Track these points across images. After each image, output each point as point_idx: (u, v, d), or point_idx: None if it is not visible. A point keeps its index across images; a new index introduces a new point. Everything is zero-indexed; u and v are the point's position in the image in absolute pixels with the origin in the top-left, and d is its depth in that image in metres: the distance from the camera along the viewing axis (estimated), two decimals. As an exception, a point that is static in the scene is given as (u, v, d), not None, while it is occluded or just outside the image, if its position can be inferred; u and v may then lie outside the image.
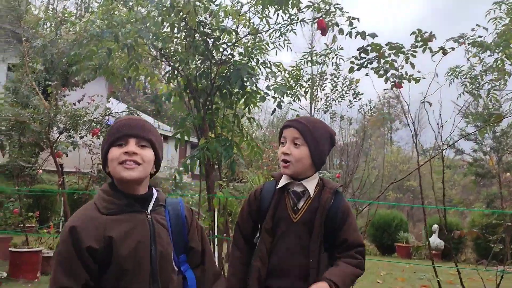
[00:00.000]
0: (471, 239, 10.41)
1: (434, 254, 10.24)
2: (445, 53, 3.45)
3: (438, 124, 3.11)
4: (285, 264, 1.82)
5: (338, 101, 13.25)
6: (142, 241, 1.52)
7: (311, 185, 1.88)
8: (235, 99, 4.28)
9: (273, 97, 4.08)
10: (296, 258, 1.82)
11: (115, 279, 1.49)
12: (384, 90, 4.01)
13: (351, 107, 12.94)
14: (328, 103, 12.91)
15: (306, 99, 4.43)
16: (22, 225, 6.96)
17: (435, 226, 10.35)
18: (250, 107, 4.36)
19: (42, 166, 7.40)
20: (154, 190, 1.68)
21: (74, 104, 7.51)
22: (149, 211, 1.59)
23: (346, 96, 13.36)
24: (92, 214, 1.54)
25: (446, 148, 3.17)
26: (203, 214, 4.44)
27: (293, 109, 4.33)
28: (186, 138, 4.25)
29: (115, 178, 1.59)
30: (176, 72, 4.28)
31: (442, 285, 3.99)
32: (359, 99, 12.88)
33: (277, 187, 1.90)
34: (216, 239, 4.00)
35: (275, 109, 4.16)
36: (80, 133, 6.17)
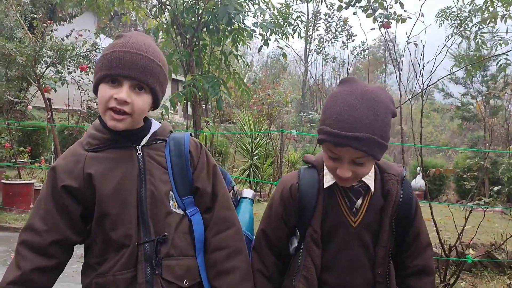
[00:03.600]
0: (453, 181, 10.76)
1: (417, 195, 10.64)
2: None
3: (419, 64, 3.15)
4: (348, 282, 1.38)
5: (331, 42, 13.12)
6: (127, 179, 1.34)
7: (369, 177, 1.39)
8: (223, 35, 4.26)
9: (260, 34, 4.07)
10: (363, 273, 1.39)
11: (98, 223, 1.33)
12: (371, 29, 4.00)
13: (344, 49, 12.82)
14: (321, 44, 12.79)
15: (293, 37, 4.41)
16: (14, 160, 7.10)
17: (419, 168, 10.64)
18: (238, 44, 4.35)
19: (30, 101, 7.39)
20: (154, 123, 1.47)
21: (62, 40, 7.41)
22: (140, 146, 1.39)
23: (340, 37, 13.18)
24: (75, 151, 1.38)
25: (425, 88, 3.24)
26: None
27: (279, 47, 4.33)
28: (173, 75, 4.28)
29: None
30: (163, 7, 4.22)
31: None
32: (353, 41, 12.71)
33: (326, 186, 1.41)
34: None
35: (261, 46, 4.17)
36: (68, 69, 6.12)
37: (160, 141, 1.44)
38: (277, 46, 4.29)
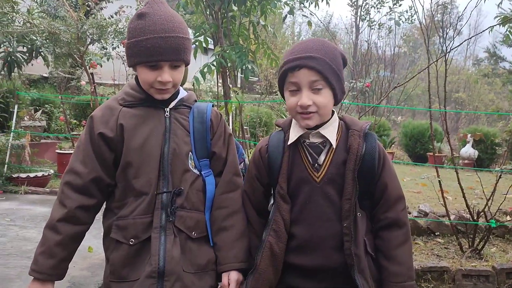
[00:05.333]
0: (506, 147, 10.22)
1: (466, 164, 10.30)
2: None
3: (442, 27, 3.09)
4: (316, 235, 1.45)
5: (377, 8, 12.68)
6: (153, 135, 1.50)
7: (331, 132, 1.49)
8: (252, 6, 4.32)
9: (285, 3, 4.10)
10: (330, 225, 1.45)
11: (123, 170, 1.50)
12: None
13: (391, 14, 12.35)
14: (366, 10, 12.41)
15: (318, 7, 4.38)
16: (69, 132, 7.66)
17: (469, 136, 10.25)
18: (267, 14, 4.41)
19: (81, 77, 7.86)
20: (182, 90, 1.63)
21: (112, 16, 7.75)
22: (168, 108, 1.56)
23: (386, 3, 12.72)
24: (111, 104, 1.55)
25: (449, 51, 3.18)
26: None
27: (304, 15, 4.34)
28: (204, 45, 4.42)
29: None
30: (192, -20, 4.33)
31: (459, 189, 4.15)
32: (400, 5, 12.21)
33: (289, 143, 1.51)
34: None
35: (286, 16, 4.20)
36: (112, 44, 6.46)
37: (185, 107, 1.60)
38: (303, 15, 4.30)
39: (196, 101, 1.65)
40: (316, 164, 1.48)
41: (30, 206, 4.71)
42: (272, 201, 1.57)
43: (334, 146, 1.48)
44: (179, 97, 1.60)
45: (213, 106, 1.66)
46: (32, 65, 6.78)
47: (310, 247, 1.46)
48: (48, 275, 1.46)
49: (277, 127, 1.62)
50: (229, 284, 1.52)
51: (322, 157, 1.48)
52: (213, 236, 1.57)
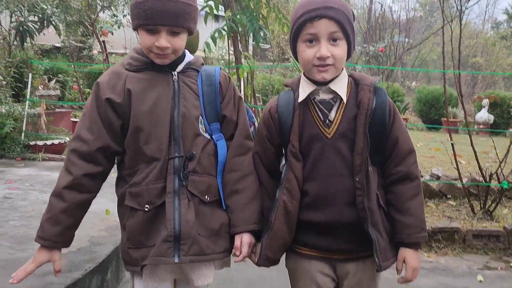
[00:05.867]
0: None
1: (481, 128, 10.21)
2: None
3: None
4: (328, 191, 1.46)
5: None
6: (162, 99, 1.48)
7: (341, 88, 1.48)
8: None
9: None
10: (343, 180, 1.46)
11: (133, 136, 1.48)
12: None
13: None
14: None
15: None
16: (84, 101, 7.76)
17: (485, 100, 10.11)
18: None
19: (92, 46, 7.87)
20: (188, 54, 1.60)
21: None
22: (175, 72, 1.53)
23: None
24: (117, 70, 1.53)
25: (464, 10, 3.11)
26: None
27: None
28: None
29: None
30: None
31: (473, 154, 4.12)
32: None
33: (299, 101, 1.50)
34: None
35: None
36: (123, 12, 6.43)
37: (193, 70, 1.58)
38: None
39: (203, 64, 1.63)
40: (327, 120, 1.48)
41: (48, 172, 4.82)
42: (283, 161, 1.57)
43: (344, 100, 1.47)
44: (186, 60, 1.57)
45: (220, 69, 1.64)
46: (44, 35, 6.78)
47: (323, 203, 1.47)
48: (53, 242, 1.47)
49: (286, 88, 1.60)
50: (241, 247, 1.53)
51: (333, 113, 1.48)
52: (226, 199, 1.57)
